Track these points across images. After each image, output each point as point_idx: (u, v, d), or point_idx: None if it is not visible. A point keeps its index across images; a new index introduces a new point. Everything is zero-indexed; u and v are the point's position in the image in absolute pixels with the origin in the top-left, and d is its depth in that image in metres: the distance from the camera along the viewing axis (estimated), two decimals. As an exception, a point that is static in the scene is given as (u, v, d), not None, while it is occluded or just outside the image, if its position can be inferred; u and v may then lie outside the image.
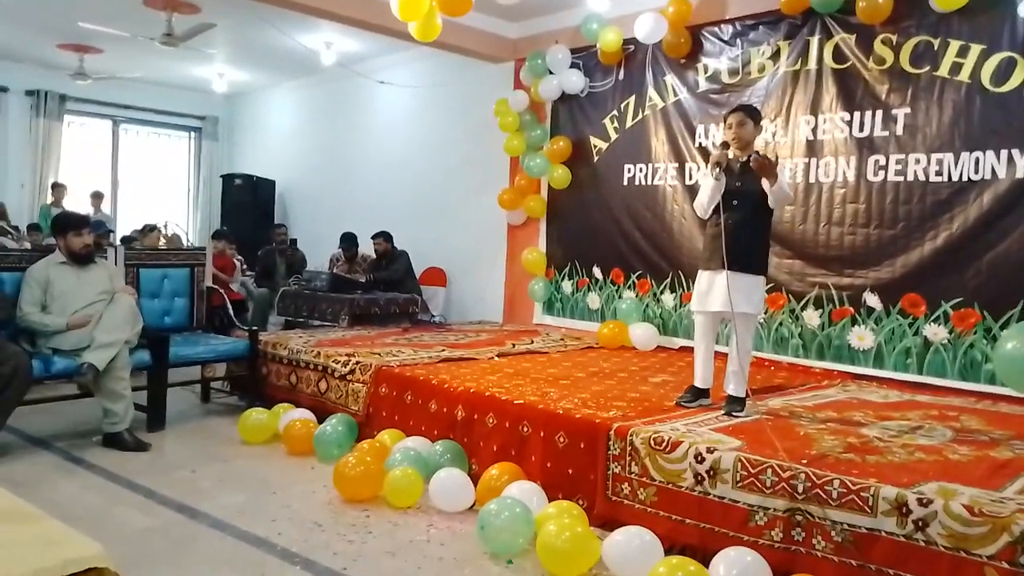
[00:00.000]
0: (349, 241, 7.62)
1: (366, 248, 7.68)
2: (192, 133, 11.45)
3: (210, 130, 11.39)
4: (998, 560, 2.27)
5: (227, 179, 10.37)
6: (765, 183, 3.54)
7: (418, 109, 8.32)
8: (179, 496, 3.46)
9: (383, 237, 7.35)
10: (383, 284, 7.09)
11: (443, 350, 5.14)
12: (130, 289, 4.59)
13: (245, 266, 8.42)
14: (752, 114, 3.71)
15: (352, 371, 4.56)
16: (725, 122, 3.74)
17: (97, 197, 9.70)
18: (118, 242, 7.36)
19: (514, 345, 5.56)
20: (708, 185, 3.64)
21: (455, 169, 7.78)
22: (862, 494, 2.55)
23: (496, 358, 4.98)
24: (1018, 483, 2.63)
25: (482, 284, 7.52)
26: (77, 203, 9.56)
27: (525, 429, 3.58)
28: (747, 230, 3.56)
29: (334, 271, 7.37)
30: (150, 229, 7.71)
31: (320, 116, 9.80)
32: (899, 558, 2.45)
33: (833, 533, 2.59)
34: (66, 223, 4.38)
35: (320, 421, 4.29)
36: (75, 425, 4.52)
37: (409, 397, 4.21)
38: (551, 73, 6.64)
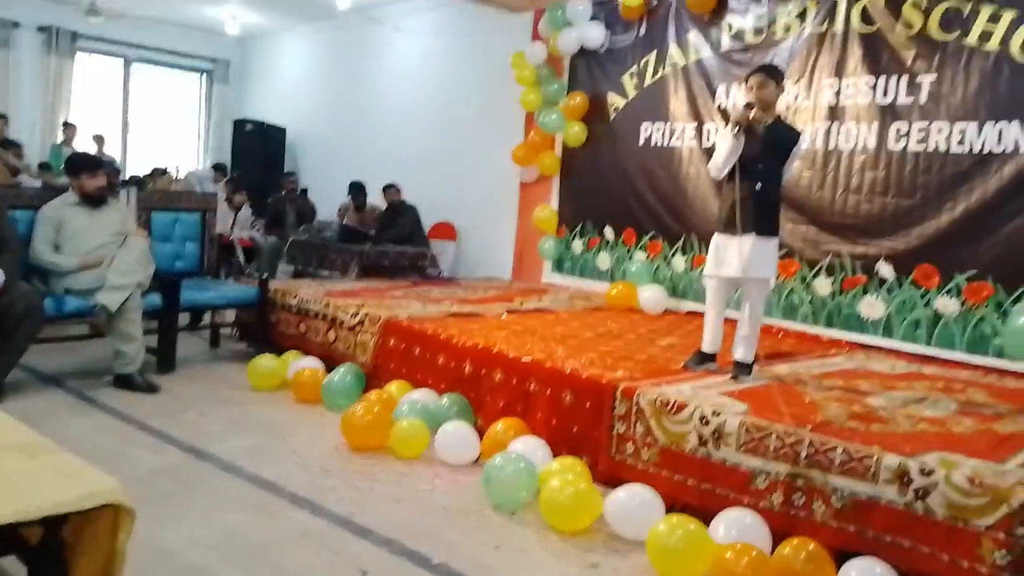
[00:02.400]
0: (357, 190, 7.59)
1: (375, 198, 7.66)
2: (203, 75, 11.34)
3: (221, 73, 11.26)
4: (995, 531, 2.29)
5: (238, 124, 10.29)
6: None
7: (433, 59, 8.20)
8: (188, 437, 3.52)
9: (394, 189, 7.31)
10: (391, 239, 7.09)
11: (452, 305, 5.16)
12: (143, 232, 4.60)
13: (254, 214, 8.42)
14: (774, 74, 3.63)
15: (361, 322, 4.58)
16: (746, 83, 3.66)
17: (99, 140, 9.64)
18: (128, 182, 7.35)
19: (522, 302, 5.56)
20: (726, 146, 3.55)
21: (469, 122, 7.70)
22: (864, 462, 2.57)
23: (505, 315, 4.99)
24: (1020, 456, 2.64)
25: (492, 240, 7.49)
26: (88, 143, 9.52)
27: (532, 386, 3.61)
28: (766, 194, 3.52)
29: (344, 222, 7.36)
30: (160, 173, 7.69)
31: (333, 63, 9.68)
32: (897, 526, 2.48)
33: (833, 499, 2.61)
34: (81, 164, 4.37)
35: (328, 370, 4.33)
36: (87, 365, 4.57)
37: (417, 350, 4.23)
38: (571, 25, 6.51)
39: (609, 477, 3.20)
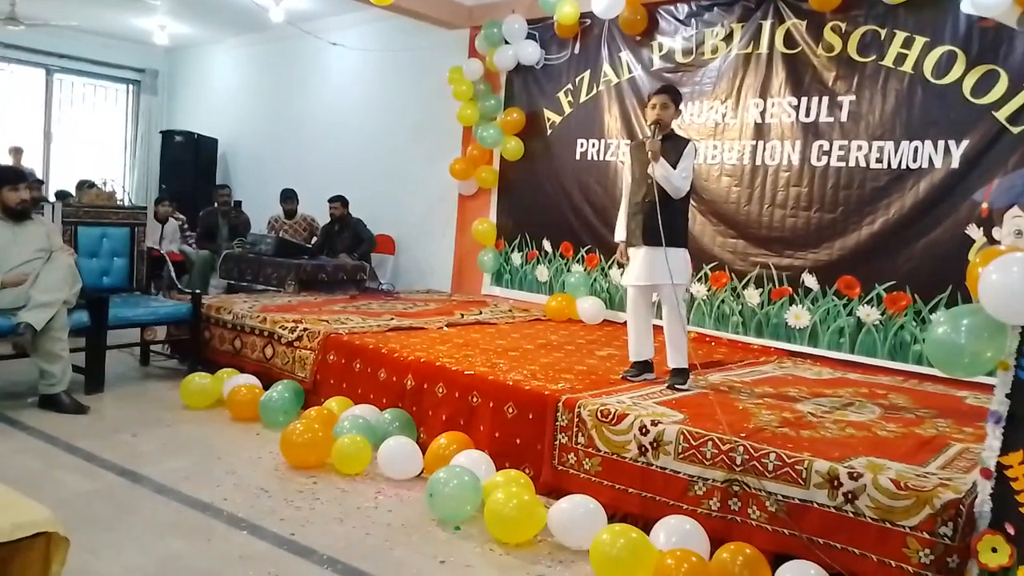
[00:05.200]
0: (287, 196, 7.51)
1: (306, 208, 7.58)
2: (130, 86, 10.98)
3: (149, 84, 10.93)
4: (919, 531, 2.42)
5: (167, 135, 10.02)
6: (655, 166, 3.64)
7: (370, 73, 8.17)
8: (121, 460, 3.41)
9: (340, 201, 7.25)
10: (348, 252, 7.02)
11: (392, 319, 5.13)
12: (68, 248, 4.44)
13: (186, 226, 8.21)
14: (675, 97, 3.81)
15: (300, 338, 4.52)
16: (649, 102, 3.81)
17: (16, 152, 9.22)
18: (52, 197, 7.07)
19: (463, 315, 5.58)
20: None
21: (407, 136, 7.69)
22: (796, 467, 2.68)
23: (445, 328, 5.00)
24: (940, 459, 2.80)
25: (431, 253, 7.49)
26: (5, 155, 9.10)
27: (475, 399, 3.62)
28: (667, 206, 3.66)
29: (279, 235, 7.24)
30: (88, 186, 7.41)
31: (267, 75, 9.52)
32: (829, 528, 2.59)
33: (768, 503, 2.71)
34: (1, 177, 4.19)
35: (265, 387, 4.26)
36: (10, 385, 4.38)
37: (358, 365, 4.20)
38: (507, 43, 6.59)
39: (552, 488, 3.24)
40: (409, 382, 3.91)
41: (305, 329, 4.54)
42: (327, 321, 4.77)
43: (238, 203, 8.59)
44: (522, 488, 2.98)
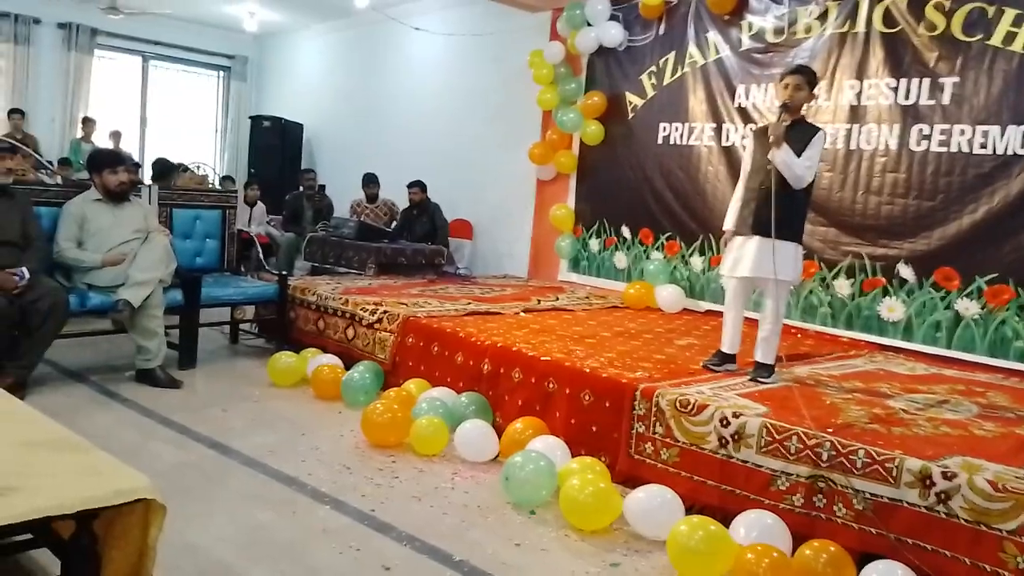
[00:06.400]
0: (369, 180, 7.65)
1: (386, 193, 7.69)
2: (221, 72, 11.41)
3: (239, 70, 11.33)
4: (1018, 535, 2.29)
5: (255, 121, 10.35)
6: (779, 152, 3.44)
7: (451, 58, 8.22)
8: (211, 433, 3.56)
9: (419, 187, 7.34)
10: (423, 238, 7.12)
11: (469, 303, 5.17)
12: (164, 229, 4.64)
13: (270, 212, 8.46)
14: (811, 79, 3.58)
15: (380, 320, 4.61)
16: (781, 81, 3.60)
17: (115, 136, 9.72)
18: (148, 180, 7.41)
19: (539, 301, 5.57)
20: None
21: (486, 120, 7.72)
22: (886, 464, 2.57)
23: (522, 313, 5.01)
24: (1044, 461, 2.63)
25: (508, 238, 7.51)
26: (106, 139, 9.61)
27: (551, 385, 3.62)
28: (784, 196, 3.48)
29: (361, 218, 7.39)
30: (183, 170, 7.73)
31: (351, 61, 9.71)
32: (919, 529, 2.48)
33: (855, 501, 2.61)
34: (102, 160, 4.41)
35: (347, 367, 4.35)
36: (109, 360, 4.63)
37: (436, 348, 4.25)
38: (589, 25, 6.51)
39: (628, 477, 3.20)
40: (486, 366, 3.94)
41: (385, 312, 4.62)
42: (406, 304, 4.84)
43: (322, 187, 8.82)
44: (598, 475, 2.96)
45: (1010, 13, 4.38)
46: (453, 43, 8.09)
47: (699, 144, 5.90)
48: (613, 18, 6.42)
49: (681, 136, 6.04)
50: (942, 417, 3.16)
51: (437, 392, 3.93)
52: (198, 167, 8.26)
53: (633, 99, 6.39)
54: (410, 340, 4.41)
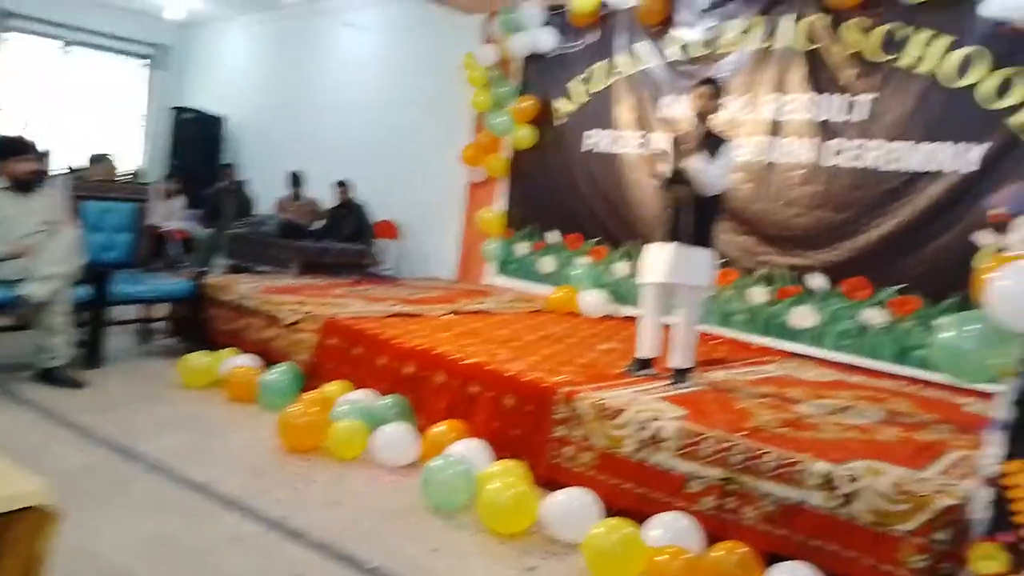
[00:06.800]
0: (295, 179, 7.49)
1: (313, 191, 7.56)
2: (142, 61, 10.97)
3: (161, 59, 10.91)
4: (915, 536, 2.40)
5: (178, 112, 10.01)
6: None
7: (383, 55, 8.12)
8: (116, 436, 3.40)
9: (345, 186, 7.23)
10: (349, 238, 7.01)
11: (394, 304, 5.11)
12: (74, 221, 4.42)
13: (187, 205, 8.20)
14: (719, 90, 3.74)
15: (300, 320, 4.51)
16: (694, 91, 3.73)
17: (25, 124, 9.22)
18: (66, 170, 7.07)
19: (465, 304, 5.55)
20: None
21: (418, 121, 7.65)
22: (794, 468, 2.65)
23: (448, 316, 4.98)
24: (939, 465, 2.76)
25: (437, 240, 7.46)
26: (14, 126, 9.11)
27: (474, 389, 3.60)
28: (698, 204, 3.58)
29: (285, 216, 7.23)
30: (99, 159, 7.39)
31: (278, 54, 9.49)
32: (824, 530, 2.56)
33: (764, 503, 2.69)
34: (10, 147, 4.17)
35: (265, 368, 4.24)
36: (10, 358, 4.37)
37: (358, 350, 4.18)
38: (523, 29, 6.53)
39: (548, 480, 3.21)
40: (409, 369, 3.89)
41: (307, 312, 4.53)
42: (328, 305, 4.75)
43: (243, 183, 8.58)
44: (518, 479, 2.96)
45: (921, 36, 4.60)
46: (385, 40, 8.00)
47: (626, 152, 5.99)
48: (547, 24, 6.46)
49: (609, 144, 6.12)
50: (847, 422, 3.29)
51: (358, 395, 3.86)
52: (112, 157, 7.92)
53: (563, 105, 6.44)
54: (332, 342, 4.33)
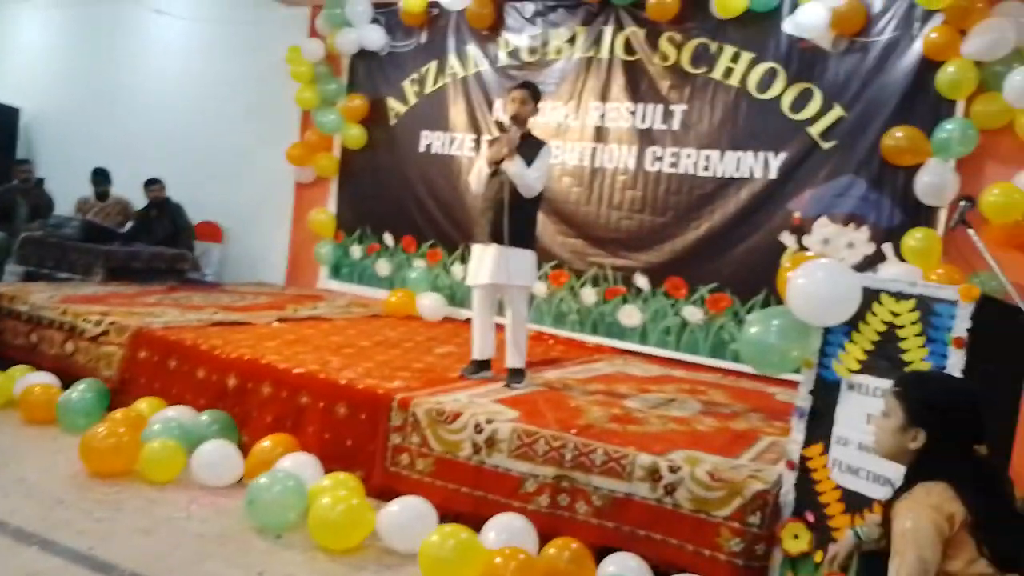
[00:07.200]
0: (100, 177, 6.83)
1: (121, 191, 6.95)
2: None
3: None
4: (731, 520, 2.56)
5: (-40, 101, 8.87)
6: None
7: (200, 46, 7.61)
8: None
9: (159, 185, 6.70)
10: (163, 241, 6.48)
11: (215, 312, 4.82)
12: None
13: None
14: (535, 94, 3.81)
15: (105, 332, 4.13)
16: (510, 95, 3.80)
17: None
18: None
19: (296, 310, 5.34)
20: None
21: (239, 116, 7.24)
22: (621, 461, 2.75)
23: (277, 323, 4.75)
24: (752, 451, 2.98)
25: (264, 243, 7.11)
26: None
27: (304, 399, 3.45)
28: (517, 206, 3.65)
29: (87, 217, 6.59)
30: None
31: (81, 40, 8.65)
32: (650, 520, 2.68)
33: (594, 498, 2.77)
34: None
35: (65, 387, 3.86)
36: None
37: (173, 363, 3.89)
38: (350, 25, 6.36)
39: (384, 490, 3.14)
40: (231, 381, 3.67)
41: (113, 323, 4.15)
42: (139, 314, 4.40)
43: (40, 180, 7.73)
44: (351, 492, 2.87)
45: (729, 51, 4.95)
46: (202, 30, 7.51)
47: (460, 154, 6.00)
48: (375, 21, 6.34)
49: (443, 145, 6.11)
50: (670, 415, 3.47)
51: (173, 411, 3.59)
52: None
53: (396, 105, 6.35)
54: (142, 354, 3.99)
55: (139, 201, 6.90)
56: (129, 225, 6.81)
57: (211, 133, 7.39)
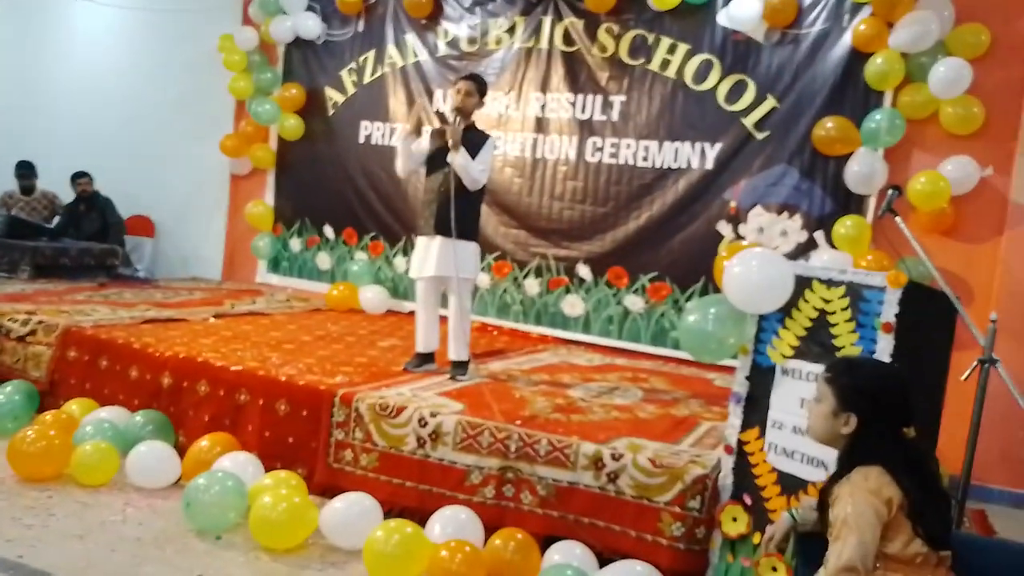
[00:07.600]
0: (25, 170, 6.54)
1: (47, 184, 6.67)
2: None
3: None
4: (672, 505, 2.61)
5: None
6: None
7: (126, 33, 7.33)
8: None
9: (87, 178, 6.45)
10: (92, 236, 6.25)
11: (148, 309, 4.68)
12: None
13: None
14: (481, 86, 3.80)
15: (33, 331, 3.97)
16: (454, 86, 3.78)
17: None
18: None
19: (233, 305, 5.24)
20: (422, 150, 3.71)
21: (170, 107, 7.00)
22: (565, 451, 2.78)
23: (212, 320, 4.64)
24: (691, 437, 3.04)
25: (198, 237, 6.92)
26: None
27: (242, 397, 3.38)
28: (461, 198, 3.64)
29: (11, 212, 6.31)
30: None
31: (3, 27, 8.23)
32: (594, 508, 2.72)
33: (539, 488, 2.79)
34: None
35: (-11, 390, 3.68)
36: None
37: (105, 363, 3.76)
38: (284, 13, 6.22)
39: (327, 487, 3.11)
40: (166, 380, 3.57)
41: (40, 322, 4.00)
42: (68, 312, 4.24)
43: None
44: (292, 490, 2.82)
45: (665, 42, 5.01)
46: (129, 18, 7.22)
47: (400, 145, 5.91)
48: (310, 9, 6.21)
49: (383, 136, 6.04)
50: (613, 403, 3.51)
51: (106, 413, 3.49)
52: None
53: (334, 95, 6.24)
54: (72, 354, 3.85)
55: (66, 195, 6.64)
56: (56, 220, 6.55)
57: (141, 124, 7.14)
